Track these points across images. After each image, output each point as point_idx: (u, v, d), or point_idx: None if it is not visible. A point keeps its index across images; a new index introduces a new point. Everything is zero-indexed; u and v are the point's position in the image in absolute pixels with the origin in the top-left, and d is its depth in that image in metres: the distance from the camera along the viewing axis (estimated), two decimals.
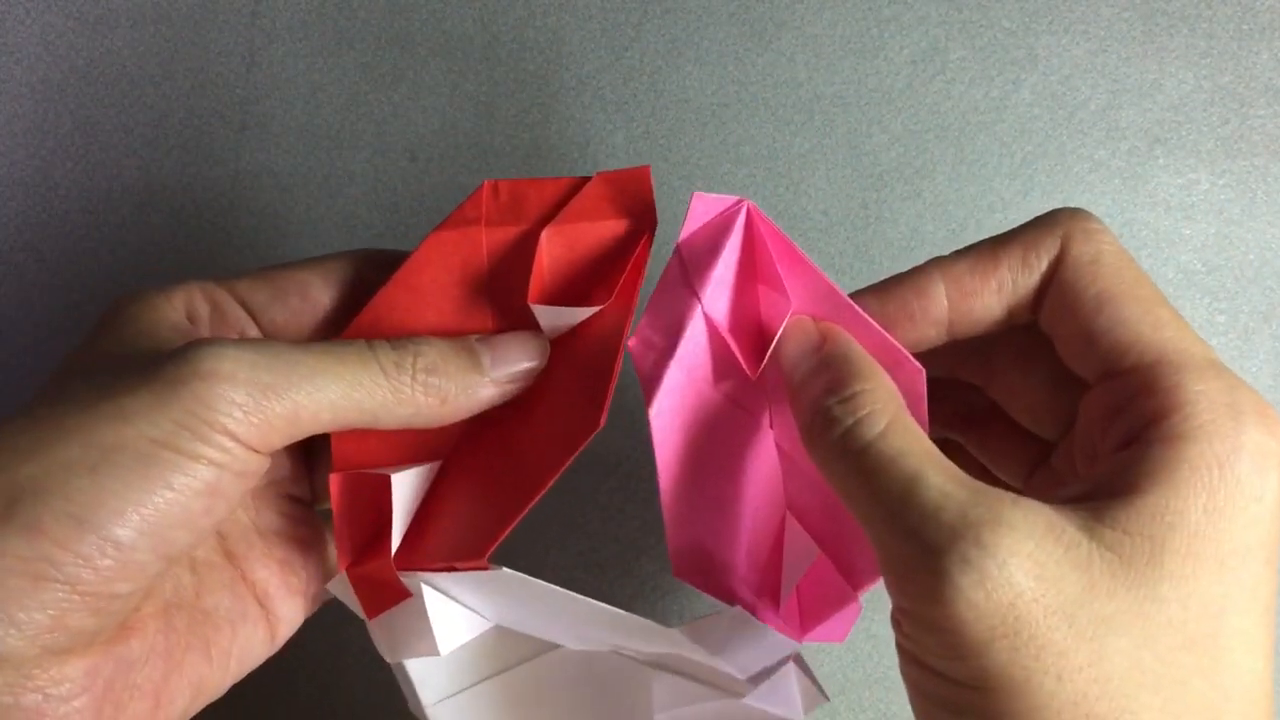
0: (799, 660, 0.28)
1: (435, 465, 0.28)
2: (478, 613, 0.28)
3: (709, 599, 0.27)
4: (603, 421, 0.25)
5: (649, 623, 0.26)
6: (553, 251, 0.27)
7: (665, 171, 0.40)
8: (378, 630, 0.27)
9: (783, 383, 0.26)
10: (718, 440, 0.27)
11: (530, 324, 0.27)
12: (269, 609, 0.27)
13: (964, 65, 0.40)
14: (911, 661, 0.22)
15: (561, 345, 0.27)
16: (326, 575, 0.29)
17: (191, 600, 0.26)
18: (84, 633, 0.22)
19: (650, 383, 0.25)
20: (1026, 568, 0.20)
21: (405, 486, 0.27)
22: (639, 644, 0.28)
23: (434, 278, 0.27)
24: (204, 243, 0.39)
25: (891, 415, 0.23)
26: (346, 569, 0.27)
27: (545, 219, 0.27)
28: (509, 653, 0.29)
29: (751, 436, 0.28)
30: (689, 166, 0.40)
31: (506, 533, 0.25)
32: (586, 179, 0.27)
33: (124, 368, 0.23)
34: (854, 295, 0.26)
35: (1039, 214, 0.26)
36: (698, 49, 0.40)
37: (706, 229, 0.26)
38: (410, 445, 0.28)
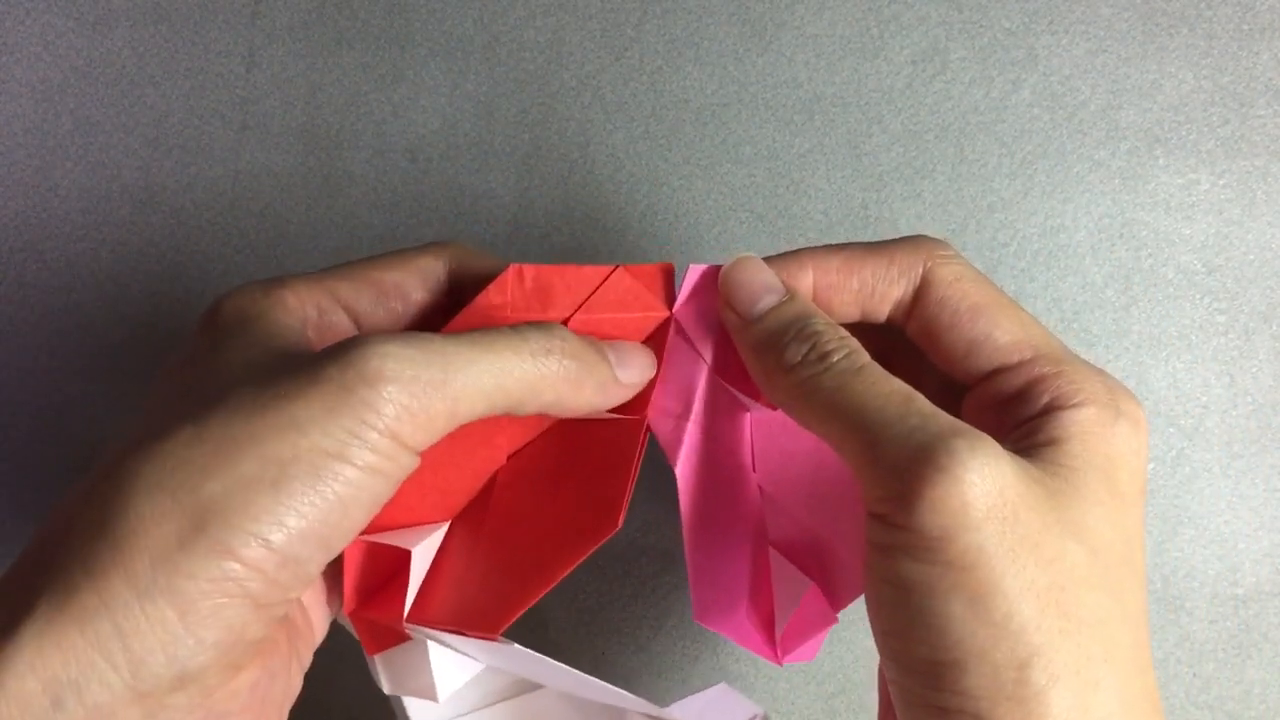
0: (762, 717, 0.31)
1: (444, 528, 0.28)
2: (475, 659, 0.28)
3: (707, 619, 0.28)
4: (620, 524, 0.26)
5: (643, 701, 0.27)
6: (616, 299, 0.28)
7: (665, 171, 0.40)
8: (379, 665, 0.28)
9: (734, 328, 0.28)
10: (723, 491, 0.28)
11: None
12: (310, 624, 0.27)
13: (964, 65, 0.40)
14: (894, 555, 0.23)
15: (581, 431, 0.28)
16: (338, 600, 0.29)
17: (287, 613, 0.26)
18: (255, 643, 0.23)
19: (672, 446, 0.28)
20: (1011, 467, 0.23)
21: (422, 558, 0.27)
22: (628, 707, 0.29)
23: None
24: (204, 243, 0.39)
25: (867, 354, 0.26)
26: (350, 613, 0.27)
27: (571, 308, 0.28)
28: (496, 687, 0.30)
29: (743, 483, 0.29)
30: (689, 166, 0.40)
31: (520, 614, 0.25)
32: (612, 269, 0.28)
33: (282, 370, 0.23)
34: (735, 262, 0.29)
35: (906, 235, 0.29)
36: (698, 49, 0.40)
37: (697, 293, 0.28)
38: (419, 508, 0.28)
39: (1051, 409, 0.26)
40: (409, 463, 0.24)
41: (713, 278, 0.28)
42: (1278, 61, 0.40)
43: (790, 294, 0.27)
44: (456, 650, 0.28)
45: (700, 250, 0.39)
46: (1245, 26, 0.40)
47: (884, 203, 0.40)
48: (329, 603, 0.28)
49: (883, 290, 0.28)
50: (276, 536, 0.22)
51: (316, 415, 0.22)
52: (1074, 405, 0.25)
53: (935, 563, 0.23)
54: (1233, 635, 0.39)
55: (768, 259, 0.29)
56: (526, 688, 0.30)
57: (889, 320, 0.29)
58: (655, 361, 0.28)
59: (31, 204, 0.40)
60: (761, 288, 0.27)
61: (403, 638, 0.27)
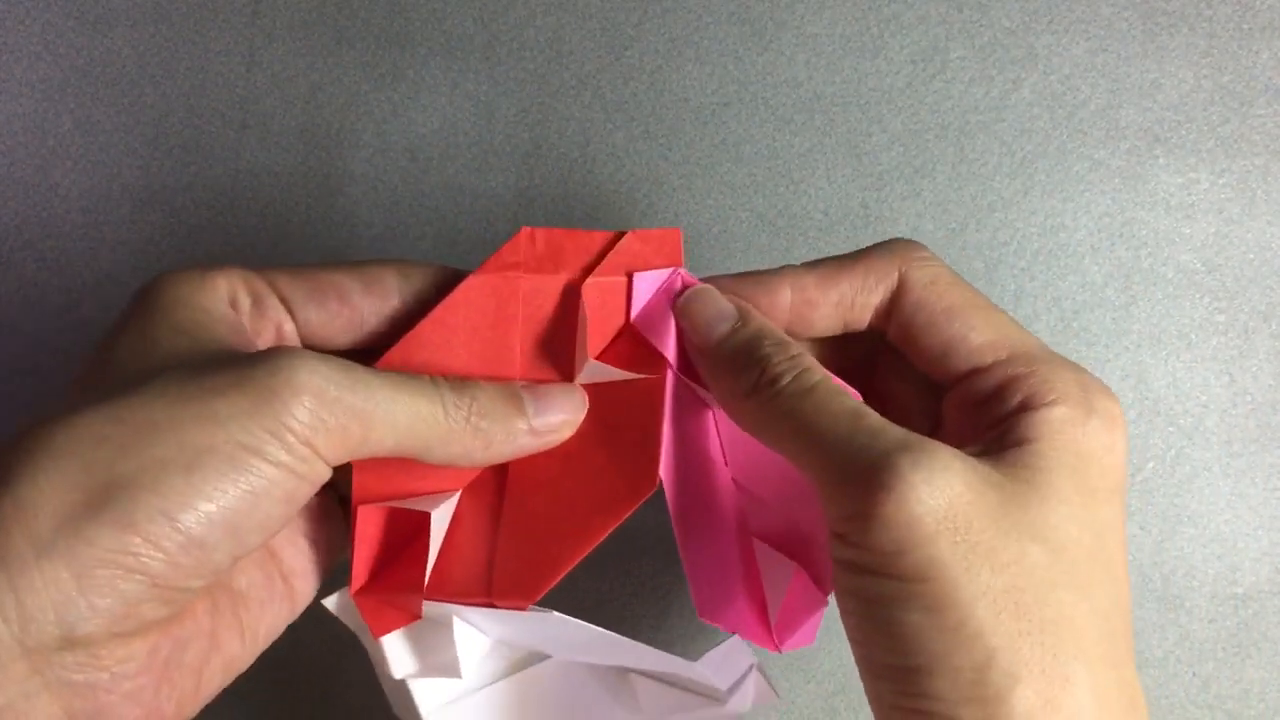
0: (759, 668, 0.31)
1: (457, 496, 0.28)
2: (484, 633, 0.28)
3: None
4: (658, 481, 0.27)
5: (668, 656, 0.27)
6: (593, 305, 0.28)
7: (665, 171, 0.40)
8: (388, 647, 0.28)
9: (695, 358, 0.28)
10: (702, 485, 0.29)
11: (558, 372, 0.29)
12: (291, 584, 0.28)
13: (964, 65, 0.40)
14: (855, 571, 0.24)
15: (602, 392, 0.28)
16: (337, 547, 0.29)
17: (228, 581, 0.26)
18: (154, 621, 0.23)
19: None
20: (961, 477, 0.23)
21: (439, 523, 0.27)
22: (646, 666, 0.29)
23: (468, 318, 0.28)
24: (204, 243, 0.39)
25: (821, 370, 0.26)
26: (355, 594, 0.27)
27: (584, 270, 0.28)
28: (501, 662, 0.30)
29: (717, 476, 0.30)
30: (689, 166, 0.40)
31: (555, 582, 0.26)
32: (621, 233, 0.29)
33: (209, 366, 0.24)
34: (711, 279, 0.29)
35: (881, 241, 0.29)
36: (698, 49, 0.40)
37: (653, 300, 0.29)
38: (431, 477, 0.28)
39: (1023, 409, 0.26)
40: (321, 473, 0.24)
41: (663, 280, 0.29)
42: (1278, 61, 0.40)
43: (743, 319, 0.28)
44: (481, 628, 0.27)
45: (701, 250, 0.39)
46: (1245, 26, 0.40)
47: (884, 203, 0.40)
48: (323, 568, 0.28)
49: (862, 300, 0.29)
50: (184, 518, 0.22)
51: (238, 412, 0.23)
52: (1045, 404, 0.26)
53: (891, 577, 0.23)
54: (1232, 635, 0.39)
55: (746, 274, 0.29)
56: (532, 660, 0.30)
57: (870, 327, 0.29)
58: (584, 403, 0.28)
59: (31, 204, 0.40)
60: (715, 316, 0.28)
61: (410, 617, 0.27)
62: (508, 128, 0.40)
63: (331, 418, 0.24)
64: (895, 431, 0.24)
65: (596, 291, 0.28)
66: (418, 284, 0.29)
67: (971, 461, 0.24)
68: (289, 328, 0.28)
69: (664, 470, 0.27)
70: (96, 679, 0.22)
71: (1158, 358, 0.39)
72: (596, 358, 0.28)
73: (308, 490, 0.24)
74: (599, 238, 0.29)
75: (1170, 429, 0.39)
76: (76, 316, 0.39)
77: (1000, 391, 0.27)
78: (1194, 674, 0.39)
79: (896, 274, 0.28)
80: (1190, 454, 0.39)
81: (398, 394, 0.25)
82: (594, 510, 0.27)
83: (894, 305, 0.28)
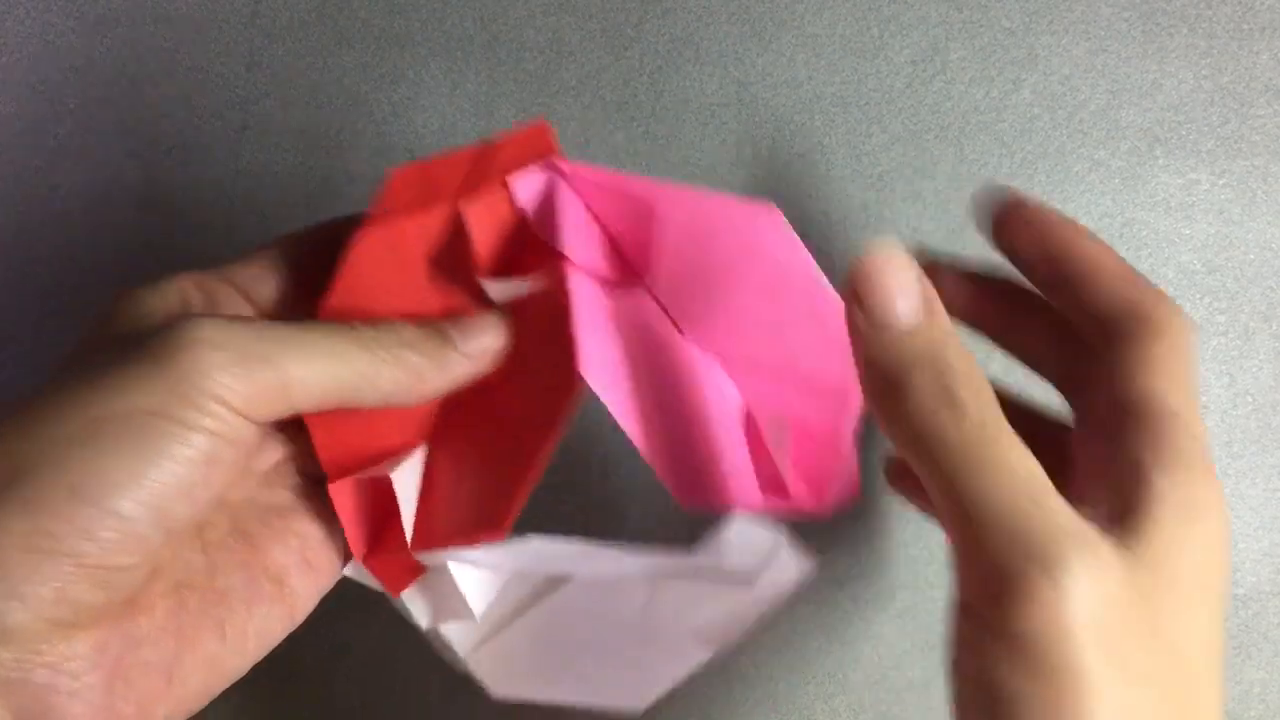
0: (788, 538, 0.29)
1: (423, 449, 0.28)
2: (496, 569, 0.28)
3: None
4: (580, 382, 0.25)
5: (675, 560, 0.26)
6: (479, 223, 0.27)
7: (665, 171, 0.40)
8: (407, 603, 0.28)
9: (858, 332, 0.24)
10: (653, 367, 0.27)
11: (476, 301, 0.28)
12: (286, 586, 0.27)
13: (964, 65, 0.40)
14: (984, 653, 0.22)
15: (518, 310, 0.28)
16: (343, 549, 0.29)
17: (204, 581, 0.26)
18: (90, 607, 0.22)
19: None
20: (1122, 582, 0.22)
21: (405, 480, 0.27)
22: (658, 570, 0.28)
23: (373, 277, 0.27)
24: (204, 243, 0.39)
25: (1001, 414, 0.23)
26: (363, 560, 0.27)
27: (455, 189, 0.27)
28: (526, 592, 0.29)
29: (671, 353, 0.28)
30: (689, 166, 0.40)
31: (519, 502, 0.25)
32: (487, 142, 0.27)
33: (115, 348, 0.23)
34: (875, 253, 0.25)
35: None
36: (698, 49, 0.40)
37: (539, 198, 0.27)
38: (393, 433, 0.28)
39: (1151, 469, 0.24)
40: (246, 430, 0.24)
41: (542, 177, 0.27)
42: (1278, 61, 0.40)
43: (931, 311, 0.24)
44: (478, 565, 0.27)
45: None
46: (1245, 26, 0.40)
47: (884, 203, 0.40)
48: (325, 570, 0.28)
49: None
50: (92, 490, 0.22)
51: (137, 378, 0.22)
52: (1184, 480, 0.24)
53: (1026, 671, 0.22)
54: (1233, 635, 0.39)
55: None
56: (555, 586, 0.29)
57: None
58: (504, 322, 0.28)
59: (31, 204, 0.40)
60: (899, 294, 0.24)
61: (421, 569, 0.27)
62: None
63: (240, 369, 0.23)
64: (1066, 514, 0.22)
65: (478, 209, 0.27)
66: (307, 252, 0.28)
67: (1129, 560, 0.22)
68: (248, 313, 0.28)
69: (588, 368, 0.25)
70: (38, 676, 0.22)
71: None
72: (501, 273, 0.27)
73: (232, 451, 0.24)
74: (465, 155, 0.27)
75: None
76: (76, 316, 0.39)
77: (1129, 435, 0.25)
78: None
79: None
80: None
81: (311, 338, 0.25)
82: (531, 429, 0.26)
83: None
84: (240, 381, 0.23)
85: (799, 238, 0.27)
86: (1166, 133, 0.40)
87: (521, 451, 0.26)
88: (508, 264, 0.28)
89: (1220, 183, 0.40)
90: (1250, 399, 0.39)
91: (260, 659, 0.27)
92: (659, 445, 0.27)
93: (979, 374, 0.24)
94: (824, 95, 0.40)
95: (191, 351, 0.23)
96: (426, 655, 0.38)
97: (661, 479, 0.27)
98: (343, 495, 0.27)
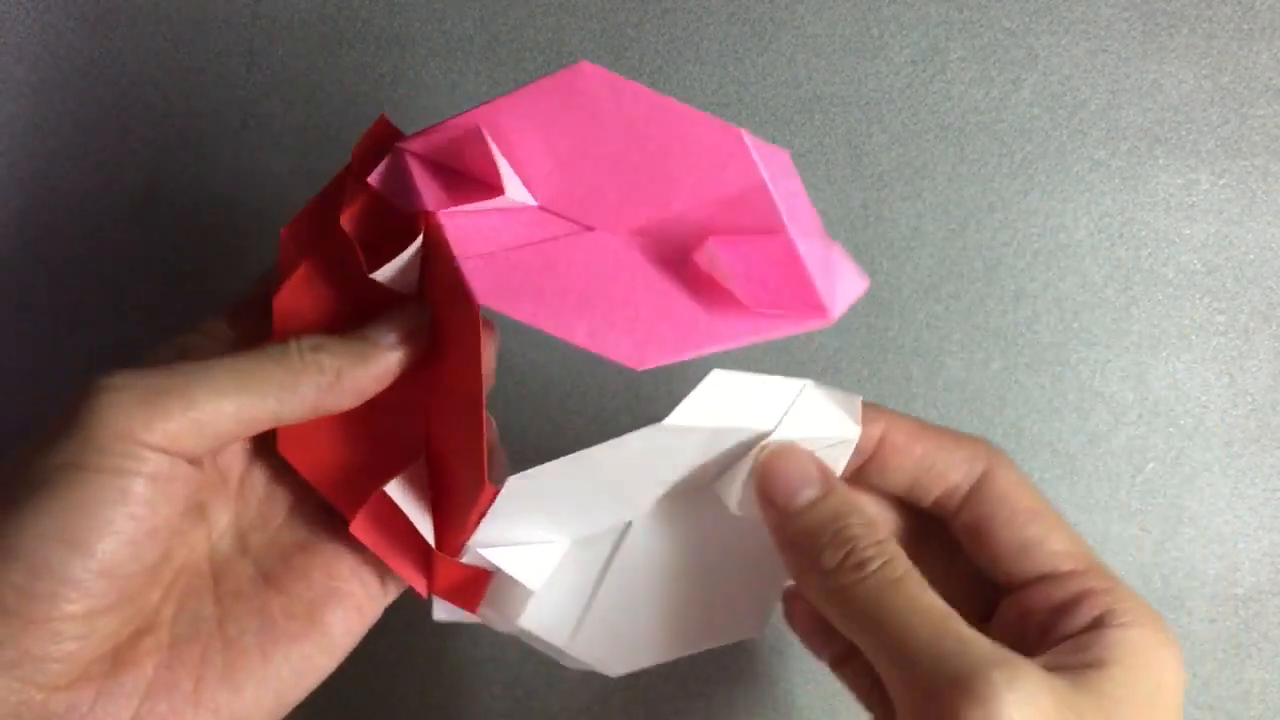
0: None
1: (422, 461, 0.28)
2: (543, 539, 0.28)
3: None
4: (479, 305, 0.25)
5: (662, 427, 0.25)
6: (357, 231, 0.27)
7: None
8: (486, 615, 0.28)
9: (770, 521, 0.27)
10: (558, 266, 0.26)
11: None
12: (318, 622, 0.27)
13: (964, 65, 0.40)
14: None
15: (434, 294, 0.28)
16: (379, 574, 0.28)
17: (212, 630, 0.26)
18: (63, 660, 0.23)
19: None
20: (1052, 701, 0.23)
21: (407, 492, 0.27)
22: (679, 458, 0.27)
23: (303, 319, 0.28)
24: (204, 243, 0.39)
25: (907, 561, 0.26)
26: (428, 593, 0.27)
27: (335, 222, 0.28)
28: (594, 561, 0.29)
29: (576, 244, 0.27)
30: None
31: (485, 450, 0.25)
32: (345, 168, 0.28)
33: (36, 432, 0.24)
34: (775, 449, 0.27)
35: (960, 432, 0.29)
36: (698, 49, 0.40)
37: (398, 181, 0.27)
38: (387, 455, 0.28)
39: (1099, 625, 0.26)
40: (158, 465, 0.24)
41: (395, 163, 0.27)
42: (1278, 61, 0.40)
43: (829, 489, 0.27)
44: (511, 541, 0.27)
45: None
46: (1245, 26, 0.40)
47: (884, 203, 0.40)
48: (363, 598, 0.28)
49: (942, 469, 0.29)
50: (15, 545, 0.22)
51: (52, 435, 0.23)
52: (1121, 624, 0.25)
53: None
54: (1233, 635, 0.39)
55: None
56: (615, 543, 0.29)
57: (934, 506, 0.29)
58: (414, 304, 0.28)
59: (31, 204, 0.40)
60: (800, 479, 0.27)
61: (483, 575, 0.27)
62: None
63: (146, 407, 0.23)
64: (985, 642, 0.23)
65: (350, 214, 0.27)
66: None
67: (1060, 685, 0.23)
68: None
69: (484, 292, 0.25)
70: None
71: (1158, 358, 0.39)
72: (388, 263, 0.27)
73: (146, 488, 0.23)
74: (331, 187, 0.28)
75: (1170, 429, 0.39)
76: (76, 316, 0.39)
77: (1075, 603, 0.26)
78: (1194, 674, 0.39)
79: (984, 465, 0.28)
80: (1190, 454, 0.39)
81: (218, 364, 0.25)
82: (462, 376, 0.26)
83: (974, 493, 0.28)
84: (155, 417, 0.23)
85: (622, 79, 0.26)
86: (1166, 133, 0.40)
87: (463, 403, 0.26)
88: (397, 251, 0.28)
89: (1220, 183, 0.40)
90: (1250, 399, 0.39)
91: (300, 699, 0.27)
92: (592, 325, 0.26)
93: (881, 534, 0.26)
94: (824, 95, 0.40)
95: (99, 398, 0.23)
96: (427, 654, 0.38)
97: (607, 355, 0.26)
98: (367, 534, 0.27)
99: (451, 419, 0.27)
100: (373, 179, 0.27)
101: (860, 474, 0.29)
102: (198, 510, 0.27)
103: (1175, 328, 0.39)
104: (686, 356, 0.26)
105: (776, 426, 0.27)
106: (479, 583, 0.27)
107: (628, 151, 0.26)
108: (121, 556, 0.23)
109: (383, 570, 0.28)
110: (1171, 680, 0.25)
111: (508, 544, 0.27)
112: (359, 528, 0.27)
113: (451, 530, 0.27)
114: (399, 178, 0.27)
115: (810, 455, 0.27)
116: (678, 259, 0.27)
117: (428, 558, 0.28)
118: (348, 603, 0.27)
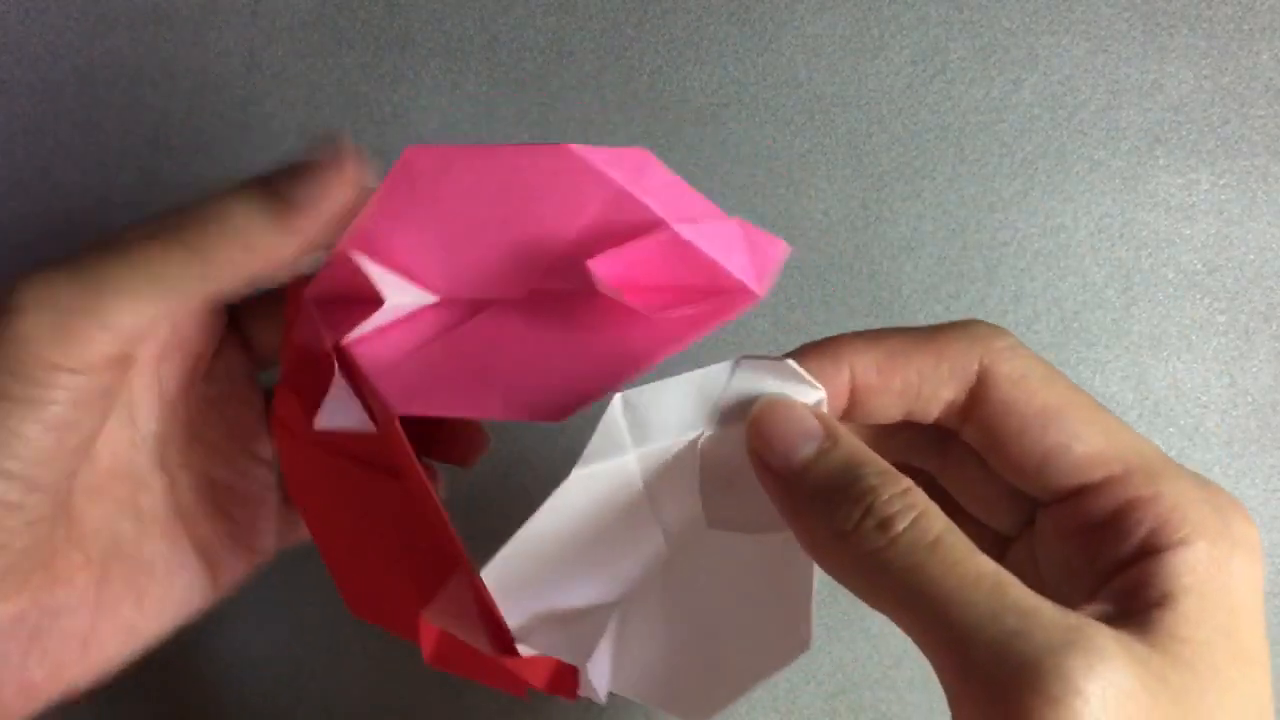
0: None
1: (461, 573, 0.27)
2: (583, 597, 0.26)
3: None
4: (401, 413, 0.25)
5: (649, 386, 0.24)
6: (300, 386, 0.27)
7: None
8: (588, 692, 0.27)
9: (770, 487, 0.23)
10: (463, 353, 0.26)
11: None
12: (211, 560, 0.28)
13: (964, 65, 0.40)
14: None
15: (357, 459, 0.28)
16: (275, 531, 0.29)
17: (132, 550, 0.26)
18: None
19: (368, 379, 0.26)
20: (1137, 681, 0.19)
21: (445, 614, 0.26)
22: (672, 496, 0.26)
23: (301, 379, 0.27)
24: None
25: (941, 514, 0.21)
26: (537, 690, 0.26)
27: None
28: (651, 609, 0.27)
29: (474, 328, 0.26)
30: (689, 166, 0.40)
31: (459, 547, 0.25)
32: (286, 285, 0.28)
33: None
34: (747, 358, 0.24)
35: (956, 320, 0.25)
36: (698, 49, 0.40)
37: (308, 307, 0.27)
38: (410, 576, 0.27)
39: (1154, 548, 0.22)
40: (79, 383, 0.23)
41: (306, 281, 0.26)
42: (1278, 61, 0.40)
43: (830, 438, 0.23)
44: (575, 609, 0.26)
45: None
46: (1245, 26, 0.40)
47: (884, 203, 0.40)
48: (254, 549, 0.28)
49: (930, 391, 0.24)
50: None
51: None
52: (1181, 542, 0.21)
53: None
54: None
55: (796, 352, 0.24)
56: (625, 595, 0.27)
57: (939, 422, 0.25)
58: (340, 162, 0.24)
59: (31, 204, 0.40)
60: (798, 434, 0.23)
61: (552, 663, 0.26)
62: (507, 128, 0.40)
63: (53, 327, 0.22)
64: (1052, 612, 0.20)
65: (290, 374, 0.27)
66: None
67: (1140, 651, 0.20)
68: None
69: (403, 401, 0.25)
70: None
71: (1158, 358, 0.39)
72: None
73: (68, 411, 0.23)
74: (286, 313, 0.28)
75: (1170, 429, 0.39)
76: None
77: (1118, 520, 0.22)
78: None
79: (976, 365, 0.24)
80: (1190, 454, 0.39)
81: (128, 259, 0.23)
82: (414, 484, 0.25)
83: (973, 404, 0.24)
84: (71, 342, 0.22)
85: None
86: (1166, 133, 0.40)
87: (429, 512, 0.25)
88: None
89: (1220, 183, 0.40)
90: (1250, 399, 0.39)
91: (176, 627, 0.28)
92: (505, 397, 0.25)
93: (904, 483, 0.22)
94: (824, 95, 0.40)
95: (14, 325, 0.22)
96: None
97: (527, 419, 0.25)
98: (449, 665, 0.26)
99: (422, 527, 0.26)
100: (295, 335, 0.27)
101: (847, 417, 0.25)
102: (126, 410, 0.26)
103: (1175, 328, 0.39)
104: (614, 388, 0.24)
105: (715, 423, 0.24)
106: (566, 666, 0.26)
107: (489, 216, 0.25)
108: (28, 471, 0.23)
109: (276, 529, 0.29)
110: (1246, 596, 0.21)
111: (550, 618, 0.26)
112: (436, 663, 0.26)
113: (495, 631, 0.25)
114: (309, 324, 0.27)
115: (804, 406, 0.23)
116: (577, 299, 0.25)
117: (465, 653, 0.27)
118: (242, 552, 0.28)
